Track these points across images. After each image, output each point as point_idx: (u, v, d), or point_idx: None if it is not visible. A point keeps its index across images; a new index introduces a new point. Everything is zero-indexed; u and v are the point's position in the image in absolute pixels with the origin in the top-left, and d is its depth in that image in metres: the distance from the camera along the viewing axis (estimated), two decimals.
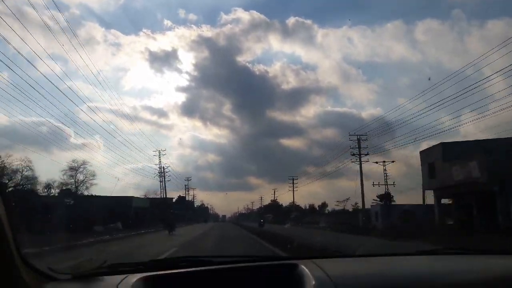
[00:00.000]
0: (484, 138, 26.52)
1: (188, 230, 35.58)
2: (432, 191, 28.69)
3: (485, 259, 1.96)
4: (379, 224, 34.90)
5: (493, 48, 24.35)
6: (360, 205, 53.86)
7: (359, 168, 39.05)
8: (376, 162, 41.24)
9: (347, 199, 66.01)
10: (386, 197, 40.18)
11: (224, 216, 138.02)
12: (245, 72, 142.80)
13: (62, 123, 64.91)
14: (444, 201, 28.99)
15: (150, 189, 65.22)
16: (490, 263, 1.84)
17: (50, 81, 56.06)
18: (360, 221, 38.69)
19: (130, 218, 37.55)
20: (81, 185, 41.44)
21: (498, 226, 20.45)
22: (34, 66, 42.19)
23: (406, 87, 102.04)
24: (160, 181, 69.85)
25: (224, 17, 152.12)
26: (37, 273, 1.50)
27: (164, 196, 67.42)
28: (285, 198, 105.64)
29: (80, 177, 42.53)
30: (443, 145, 26.50)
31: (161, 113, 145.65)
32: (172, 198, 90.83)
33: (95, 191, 45.90)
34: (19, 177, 36.03)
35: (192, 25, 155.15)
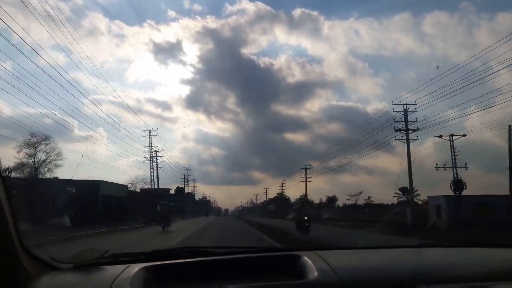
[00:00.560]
0: None
1: (185, 225, 33.32)
2: None
3: (487, 252, 2.03)
4: (442, 222, 27.20)
5: (500, 39, 23.94)
6: (374, 199, 54.43)
7: (406, 149, 32.55)
8: (440, 136, 31.97)
9: (360, 192, 63.24)
10: (456, 185, 30.33)
11: (226, 210, 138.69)
12: (250, 65, 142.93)
13: (67, 114, 63.77)
14: None
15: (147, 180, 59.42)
16: (491, 256, 1.91)
17: (47, 74, 52.17)
18: (409, 218, 30.91)
19: (94, 210, 29.56)
20: (43, 166, 28.53)
21: None
22: (40, 56, 37.35)
23: (413, 81, 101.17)
24: (151, 167, 56.98)
25: (229, 7, 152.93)
26: (38, 262, 1.55)
27: (157, 186, 61.60)
28: (291, 192, 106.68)
29: (42, 156, 29.33)
30: None
31: (165, 106, 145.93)
32: (169, 189, 77.18)
33: (63, 174, 33.95)
34: None
35: (197, 16, 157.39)
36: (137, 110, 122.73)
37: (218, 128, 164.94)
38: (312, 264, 1.60)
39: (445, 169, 31.28)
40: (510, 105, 27.08)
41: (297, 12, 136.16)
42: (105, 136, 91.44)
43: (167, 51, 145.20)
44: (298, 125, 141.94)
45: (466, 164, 31.18)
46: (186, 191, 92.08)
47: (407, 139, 30.94)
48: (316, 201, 76.51)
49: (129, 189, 45.43)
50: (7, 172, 25.38)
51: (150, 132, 59.20)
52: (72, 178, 30.17)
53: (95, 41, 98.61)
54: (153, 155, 60.24)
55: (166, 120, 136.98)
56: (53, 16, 42.76)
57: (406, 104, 31.44)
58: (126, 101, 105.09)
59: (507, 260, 1.78)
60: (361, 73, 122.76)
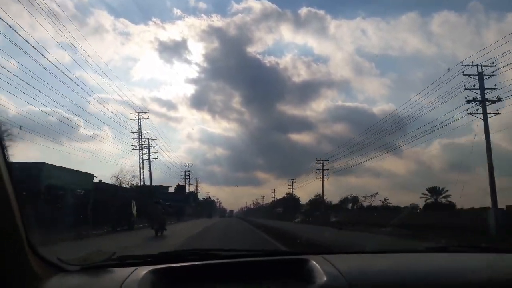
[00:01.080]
0: None
1: (183, 229, 29.65)
2: None
3: (496, 257, 2.07)
4: None
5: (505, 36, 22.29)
6: (391, 201, 52.00)
7: (482, 125, 24.86)
8: None
9: (376, 194, 58.92)
10: None
11: (231, 211, 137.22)
12: (255, 64, 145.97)
13: (72, 113, 64.03)
14: None
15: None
16: (501, 261, 1.96)
17: (51, 73, 49.87)
18: (492, 224, 21.52)
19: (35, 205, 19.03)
20: None
21: None
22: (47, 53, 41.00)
23: (421, 82, 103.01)
24: (140, 157, 46.32)
25: (235, 6, 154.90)
26: (46, 263, 1.61)
27: (150, 182, 54.26)
28: (298, 192, 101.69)
29: None
30: None
31: (170, 105, 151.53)
32: (168, 186, 66.83)
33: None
34: None
35: (202, 15, 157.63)
36: (142, 109, 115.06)
37: (223, 128, 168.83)
38: (320, 268, 1.64)
39: None
40: None
41: (303, 11, 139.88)
42: (110, 134, 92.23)
43: (172, 50, 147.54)
44: (303, 125, 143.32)
45: None
46: (189, 190, 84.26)
47: (484, 112, 24.69)
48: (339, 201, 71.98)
49: (105, 182, 36.81)
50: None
51: (139, 115, 48.64)
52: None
53: (100, 39, 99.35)
54: (142, 143, 49.55)
55: (171, 120, 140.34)
56: (58, 13, 37.17)
57: (481, 66, 24.78)
58: (131, 99, 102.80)
59: None
60: (367, 73, 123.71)
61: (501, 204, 24.94)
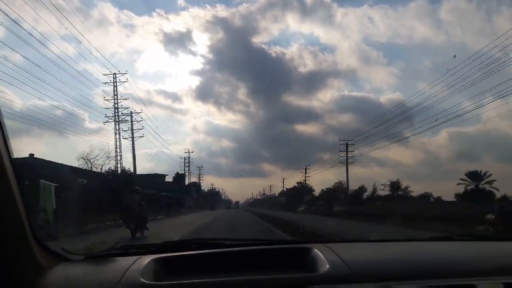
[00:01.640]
0: None
1: (176, 225, 25.24)
2: None
3: (500, 245, 2.14)
4: None
5: None
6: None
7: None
8: None
9: (397, 181, 52.47)
10: None
11: (237, 203, 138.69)
12: (261, 54, 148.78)
13: (77, 106, 56.51)
14: None
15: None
16: (505, 249, 2.01)
17: (53, 65, 52.71)
18: None
19: None
20: None
21: None
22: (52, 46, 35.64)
23: (429, 71, 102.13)
24: (116, 133, 38.25)
25: None
26: (50, 253, 1.69)
27: (134, 169, 44.06)
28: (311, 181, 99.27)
29: None
30: None
31: (175, 98, 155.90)
32: (164, 175, 58.89)
33: None
34: None
35: (206, 5, 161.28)
36: (147, 102, 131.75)
37: (228, 119, 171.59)
38: (323, 257, 1.69)
39: None
40: None
41: None
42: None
43: (177, 41, 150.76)
44: (310, 116, 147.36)
45: None
46: (190, 181, 76.51)
47: None
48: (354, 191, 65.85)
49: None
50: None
51: (115, 76, 40.44)
52: None
53: (104, 32, 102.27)
54: (117, 112, 41.17)
55: (176, 112, 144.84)
56: (62, 5, 35.67)
57: None
58: (136, 92, 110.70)
59: None
60: (375, 62, 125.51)
61: None
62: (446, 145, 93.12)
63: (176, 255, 1.80)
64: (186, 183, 78.40)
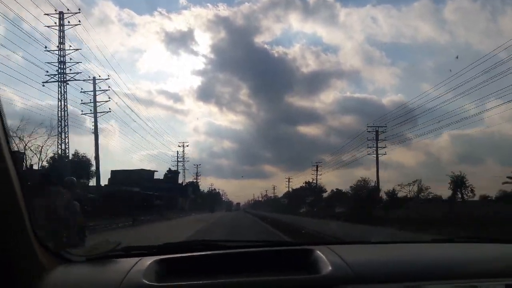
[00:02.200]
0: None
1: (159, 232, 21.74)
2: None
3: (502, 248, 2.16)
4: None
5: None
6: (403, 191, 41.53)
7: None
8: None
9: (416, 181, 45.61)
10: None
11: (238, 204, 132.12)
12: (263, 55, 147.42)
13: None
14: None
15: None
16: (507, 252, 2.05)
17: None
18: None
19: None
20: None
21: None
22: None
23: (432, 71, 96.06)
24: (61, 99, 26.16)
25: None
26: (52, 254, 1.73)
27: (95, 153, 33.81)
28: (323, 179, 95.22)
29: None
30: None
31: (177, 98, 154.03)
32: (154, 171, 49.34)
33: None
34: None
35: (208, 4, 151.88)
36: (149, 102, 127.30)
37: (230, 120, 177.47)
38: (325, 258, 1.74)
39: None
40: None
41: None
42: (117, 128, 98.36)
43: (179, 41, 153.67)
44: (312, 117, 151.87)
45: None
46: (189, 180, 66.49)
47: None
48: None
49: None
50: None
51: (61, 16, 29.37)
52: None
53: (105, 31, 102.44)
54: (64, 67, 30.38)
55: (178, 112, 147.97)
56: (63, 3, 34.88)
57: None
58: (137, 92, 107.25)
59: None
60: (378, 62, 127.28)
61: None
62: (448, 147, 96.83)
63: (178, 257, 1.87)
64: (180, 181, 69.78)
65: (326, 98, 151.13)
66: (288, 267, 1.79)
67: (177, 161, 61.28)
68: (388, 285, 1.55)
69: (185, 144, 64.31)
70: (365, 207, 39.31)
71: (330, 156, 63.85)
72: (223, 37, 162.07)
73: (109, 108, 37.15)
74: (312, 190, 72.31)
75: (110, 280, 1.59)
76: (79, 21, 32.76)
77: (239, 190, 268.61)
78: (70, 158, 32.12)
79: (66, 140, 31.27)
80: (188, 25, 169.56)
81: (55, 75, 31.78)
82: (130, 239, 18.05)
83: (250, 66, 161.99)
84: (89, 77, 34.82)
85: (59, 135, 31.49)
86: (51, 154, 31.46)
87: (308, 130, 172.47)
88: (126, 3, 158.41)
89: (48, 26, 31.65)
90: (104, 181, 46.19)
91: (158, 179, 61.20)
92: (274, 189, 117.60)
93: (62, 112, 31.95)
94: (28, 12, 54.88)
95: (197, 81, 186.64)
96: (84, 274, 1.71)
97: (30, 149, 29.31)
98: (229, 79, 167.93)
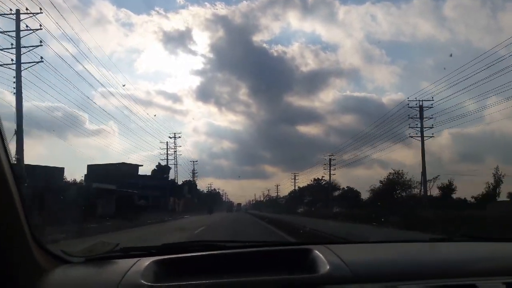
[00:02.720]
0: None
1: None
2: None
3: (500, 246, 2.19)
4: None
5: None
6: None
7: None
8: None
9: (437, 177, 38.87)
10: None
11: (239, 205, 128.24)
12: (262, 54, 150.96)
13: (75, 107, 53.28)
14: None
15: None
16: (505, 250, 2.08)
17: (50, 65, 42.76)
18: None
19: None
20: None
21: None
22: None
23: (432, 69, 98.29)
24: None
25: None
26: (50, 255, 1.77)
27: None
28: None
29: None
30: None
31: (176, 98, 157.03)
32: (138, 165, 39.40)
33: None
34: None
35: (206, 3, 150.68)
36: (147, 103, 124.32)
37: (229, 120, 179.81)
38: (323, 258, 1.78)
39: None
40: None
41: None
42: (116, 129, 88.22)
43: (177, 40, 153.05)
44: (311, 117, 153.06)
45: None
46: (187, 180, 70.40)
47: None
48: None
49: None
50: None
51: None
52: None
53: (103, 31, 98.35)
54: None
55: (176, 113, 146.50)
56: (59, 3, 35.75)
57: None
58: (135, 93, 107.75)
59: None
60: (377, 61, 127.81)
61: None
62: (450, 145, 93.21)
63: (176, 257, 1.90)
64: (180, 181, 59.88)
65: (326, 97, 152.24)
66: (286, 267, 1.82)
67: (167, 154, 52.36)
68: (386, 284, 1.59)
69: (177, 135, 55.46)
70: (406, 208, 31.18)
71: (342, 152, 59.23)
72: (222, 36, 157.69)
73: (41, 58, 27.18)
74: (321, 188, 65.88)
75: (108, 281, 1.62)
76: (40, 25, 26.13)
77: (239, 191, 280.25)
78: None
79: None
80: (186, 25, 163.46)
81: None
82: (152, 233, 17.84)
83: (249, 66, 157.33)
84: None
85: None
86: None
87: (308, 129, 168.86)
88: (123, 2, 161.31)
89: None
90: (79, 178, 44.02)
91: (145, 176, 52.80)
92: (277, 188, 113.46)
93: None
94: None
95: (196, 81, 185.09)
96: (82, 274, 1.75)
97: None
98: (228, 79, 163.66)
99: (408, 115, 36.34)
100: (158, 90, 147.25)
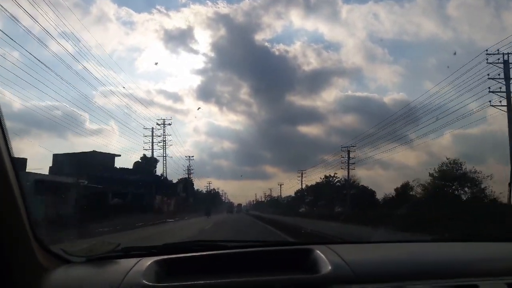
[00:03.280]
0: None
1: None
2: None
3: (503, 246, 2.24)
4: None
5: None
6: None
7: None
8: None
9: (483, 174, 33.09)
10: None
11: (239, 205, 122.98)
12: (264, 53, 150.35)
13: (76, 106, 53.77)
14: None
15: None
16: (507, 250, 2.12)
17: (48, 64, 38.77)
18: None
19: None
20: None
21: None
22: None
23: (435, 69, 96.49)
24: None
25: None
26: (51, 255, 1.84)
27: None
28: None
29: None
30: None
31: (176, 98, 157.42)
32: (115, 155, 29.17)
33: None
34: None
35: (208, 1, 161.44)
36: (148, 102, 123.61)
37: (230, 120, 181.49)
38: (325, 258, 1.84)
39: None
40: None
41: None
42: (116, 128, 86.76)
43: (178, 39, 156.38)
44: (313, 117, 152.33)
45: None
46: (183, 178, 62.32)
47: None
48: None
49: None
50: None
51: None
52: None
53: (104, 29, 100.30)
54: None
55: (177, 112, 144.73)
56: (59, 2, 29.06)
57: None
58: (136, 92, 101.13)
59: None
60: (380, 60, 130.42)
61: None
62: (450, 146, 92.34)
63: (178, 257, 1.96)
64: (175, 178, 51.26)
65: (328, 97, 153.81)
66: (288, 266, 1.89)
67: (152, 143, 43.68)
68: (388, 285, 1.65)
69: (166, 122, 45.13)
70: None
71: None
72: (223, 35, 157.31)
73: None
74: (332, 186, 59.86)
75: (110, 281, 1.66)
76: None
77: (239, 191, 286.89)
78: None
79: None
80: (187, 23, 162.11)
81: None
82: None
83: (250, 65, 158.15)
84: None
85: None
86: None
87: (309, 130, 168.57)
88: (124, 1, 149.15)
89: None
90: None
91: (125, 169, 44.47)
92: (281, 187, 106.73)
93: None
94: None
95: (197, 80, 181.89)
96: (84, 274, 1.80)
97: None
98: (230, 78, 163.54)
99: (488, 74, 24.26)
100: (158, 89, 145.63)
